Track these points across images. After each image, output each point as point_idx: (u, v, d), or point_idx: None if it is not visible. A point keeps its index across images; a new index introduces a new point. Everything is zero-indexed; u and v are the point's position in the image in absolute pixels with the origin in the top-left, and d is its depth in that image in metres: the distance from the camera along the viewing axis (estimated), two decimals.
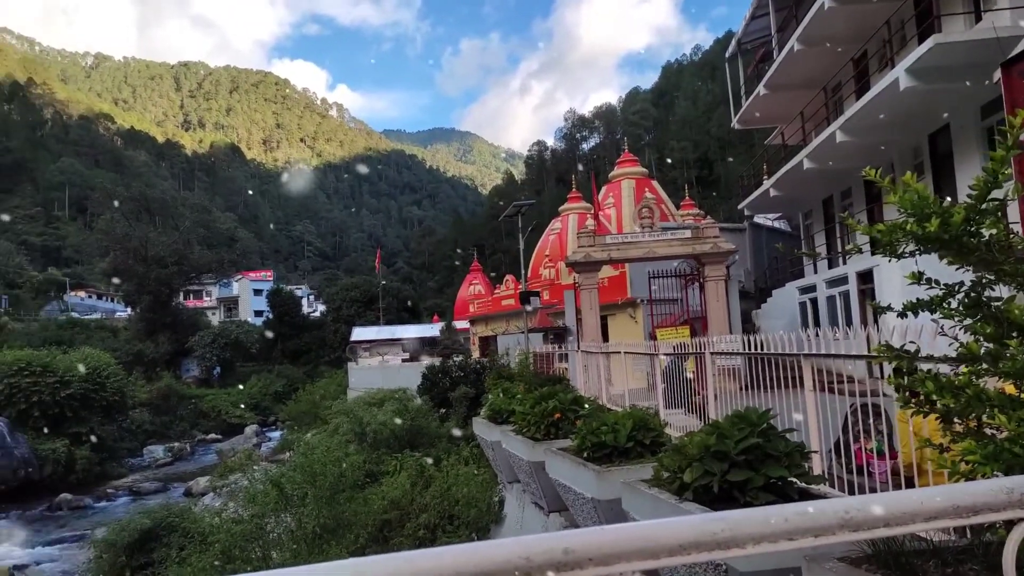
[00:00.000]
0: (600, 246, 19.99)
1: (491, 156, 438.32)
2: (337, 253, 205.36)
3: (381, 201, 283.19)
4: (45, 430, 34.47)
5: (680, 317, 22.30)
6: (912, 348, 3.03)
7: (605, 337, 21.48)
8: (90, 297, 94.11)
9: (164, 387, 50.43)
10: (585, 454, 6.06)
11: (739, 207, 29.59)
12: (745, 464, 4.11)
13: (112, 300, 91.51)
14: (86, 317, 72.03)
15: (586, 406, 7.98)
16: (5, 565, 21.26)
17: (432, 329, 53.75)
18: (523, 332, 26.76)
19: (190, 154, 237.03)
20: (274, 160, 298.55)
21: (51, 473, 33.18)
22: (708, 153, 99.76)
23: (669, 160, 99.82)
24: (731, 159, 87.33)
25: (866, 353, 4.11)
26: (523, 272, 24.45)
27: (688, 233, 20.08)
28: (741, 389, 7.26)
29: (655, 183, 32.38)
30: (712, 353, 7.76)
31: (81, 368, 36.05)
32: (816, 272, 23.21)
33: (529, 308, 21.84)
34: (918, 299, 3.03)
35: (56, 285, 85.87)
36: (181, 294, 73.02)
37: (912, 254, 3.01)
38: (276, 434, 46.04)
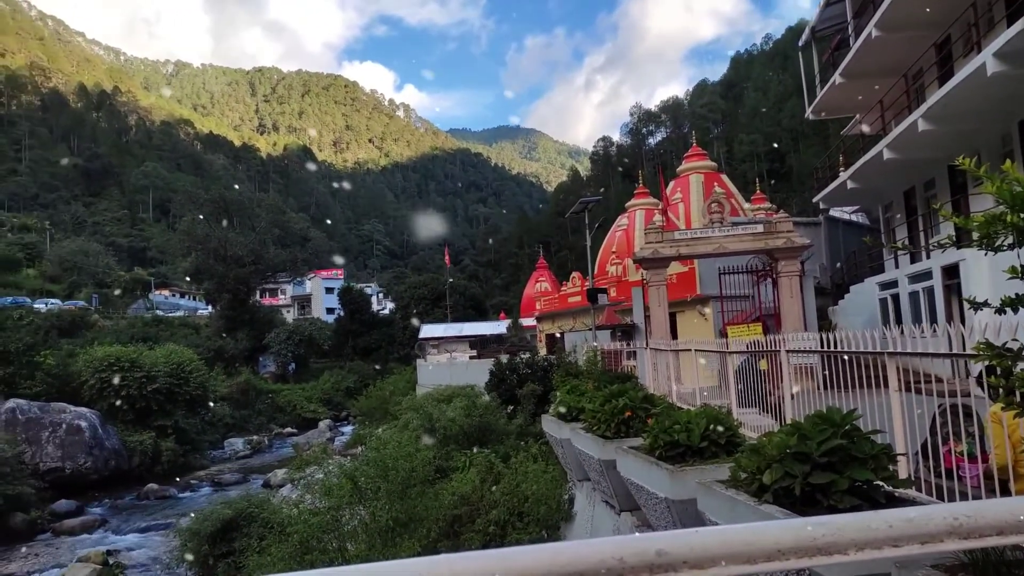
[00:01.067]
0: (669, 242, 19.65)
1: (556, 153, 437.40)
2: (405, 251, 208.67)
3: (447, 199, 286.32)
4: (133, 423, 36.28)
5: (752, 314, 21.75)
6: (1015, 346, 2.86)
7: (673, 334, 21.15)
8: (173, 295, 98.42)
9: (243, 382, 52.26)
10: (657, 453, 5.97)
11: (814, 200, 28.66)
12: (828, 466, 3.97)
13: (194, 298, 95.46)
14: (170, 315, 75.34)
15: (657, 404, 7.87)
16: (100, 550, 22.48)
17: (499, 326, 54.06)
18: (590, 329, 26.61)
19: (265, 157, 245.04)
20: (344, 161, 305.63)
21: (139, 464, 34.83)
22: (780, 145, 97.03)
23: (738, 154, 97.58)
24: (804, 151, 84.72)
25: (958, 351, 3.91)
26: (590, 269, 24.29)
27: (760, 228, 19.54)
28: (817, 389, 7.05)
29: (724, 177, 31.64)
30: (788, 351, 7.55)
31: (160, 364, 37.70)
32: (897, 267, 22.26)
33: (597, 305, 21.67)
34: (1017, 294, 2.86)
35: (142, 284, 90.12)
36: (258, 292, 75.60)
37: (1011, 247, 2.84)
38: (348, 428, 47.16)
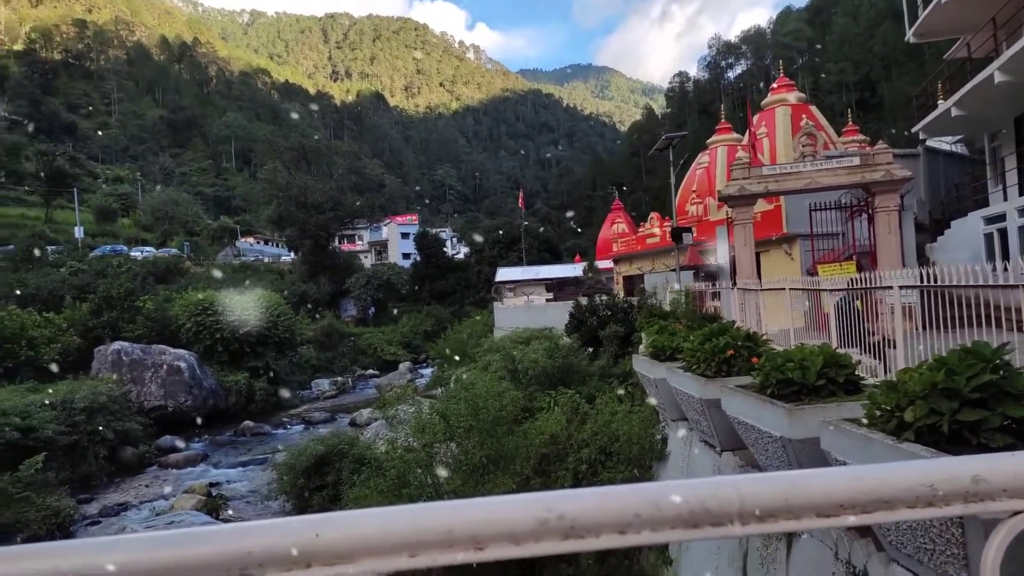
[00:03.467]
0: (756, 178, 18.84)
1: (629, 91, 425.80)
2: (477, 195, 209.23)
3: (519, 142, 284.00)
4: (227, 364, 38.10)
5: (844, 252, 20.83)
6: None
7: (758, 274, 20.47)
8: (258, 243, 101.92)
9: (327, 326, 54.00)
10: (769, 391, 5.74)
11: (912, 131, 26.91)
12: (979, 403, 3.67)
13: (277, 245, 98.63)
14: (256, 261, 78.13)
15: (759, 344, 7.59)
16: (203, 482, 23.95)
17: (574, 269, 53.79)
18: (672, 270, 26.09)
19: (339, 104, 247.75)
20: (415, 106, 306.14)
21: (235, 403, 36.67)
22: (870, 74, 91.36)
23: (825, 85, 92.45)
24: (898, 79, 79.53)
25: None
26: (673, 208, 23.64)
27: (856, 160, 18.49)
28: (915, 329, 6.71)
29: (813, 109, 29.93)
30: (901, 287, 7.10)
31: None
32: (1006, 199, 20.76)
33: (681, 245, 21.13)
34: None
35: (228, 232, 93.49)
36: (337, 239, 77.39)
37: None
38: (427, 371, 48.26)
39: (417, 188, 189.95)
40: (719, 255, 25.02)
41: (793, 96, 29.64)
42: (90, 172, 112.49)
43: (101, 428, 26.87)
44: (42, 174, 77.32)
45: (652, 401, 10.81)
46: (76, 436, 25.25)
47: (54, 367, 31.92)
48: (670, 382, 8.79)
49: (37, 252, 51.57)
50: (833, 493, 0.85)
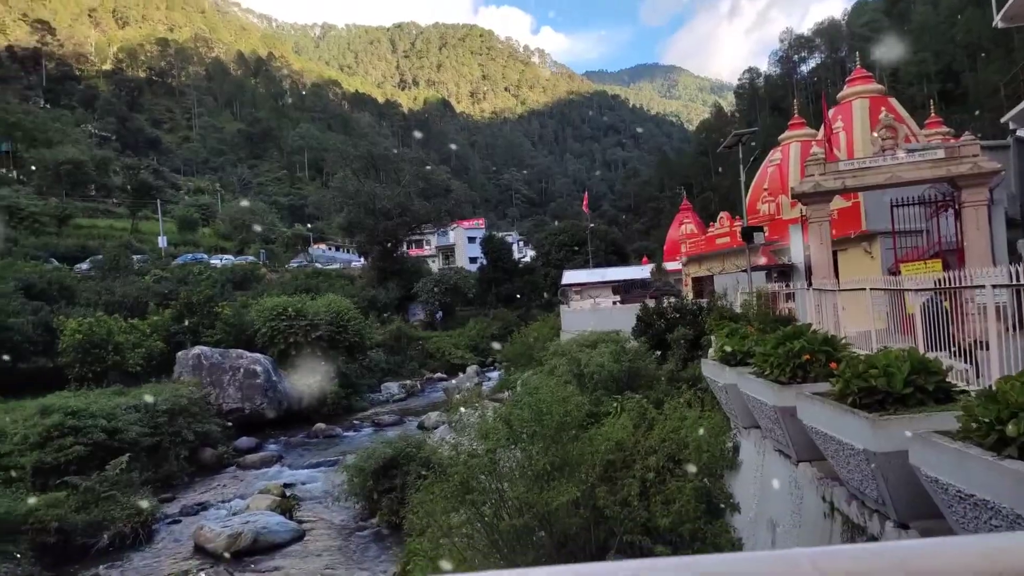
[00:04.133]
0: (832, 173, 18.02)
1: (697, 90, 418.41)
2: (543, 199, 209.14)
3: (584, 144, 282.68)
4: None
5: (929, 249, 19.73)
6: None
7: (835, 274, 19.60)
8: (330, 249, 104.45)
9: (395, 330, 54.74)
10: (850, 400, 5.34)
11: (1001, 120, 25.37)
12: None
13: (348, 251, 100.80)
14: (327, 267, 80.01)
15: (838, 348, 7.13)
16: (278, 482, 24.51)
17: (642, 271, 52.96)
18: (742, 271, 25.29)
19: (406, 112, 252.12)
20: (481, 112, 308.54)
21: (307, 405, 37.49)
22: (952, 64, 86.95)
23: (904, 76, 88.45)
24: (984, 69, 75.44)
25: None
26: (743, 207, 22.91)
27: (941, 153, 17.46)
28: (1006, 331, 6.22)
29: (893, 101, 28.54)
30: (994, 286, 6.54)
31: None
32: None
33: (752, 245, 20.44)
34: None
35: (302, 239, 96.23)
36: (405, 244, 78.52)
37: None
38: (494, 374, 48.32)
39: (483, 193, 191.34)
40: (793, 254, 24.13)
41: (871, 88, 28.39)
42: (173, 184, 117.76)
43: (182, 430, 27.89)
44: (128, 187, 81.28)
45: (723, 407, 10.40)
46: (159, 437, 26.25)
47: (139, 371, 33.44)
48: (741, 388, 8.38)
49: (123, 261, 54.07)
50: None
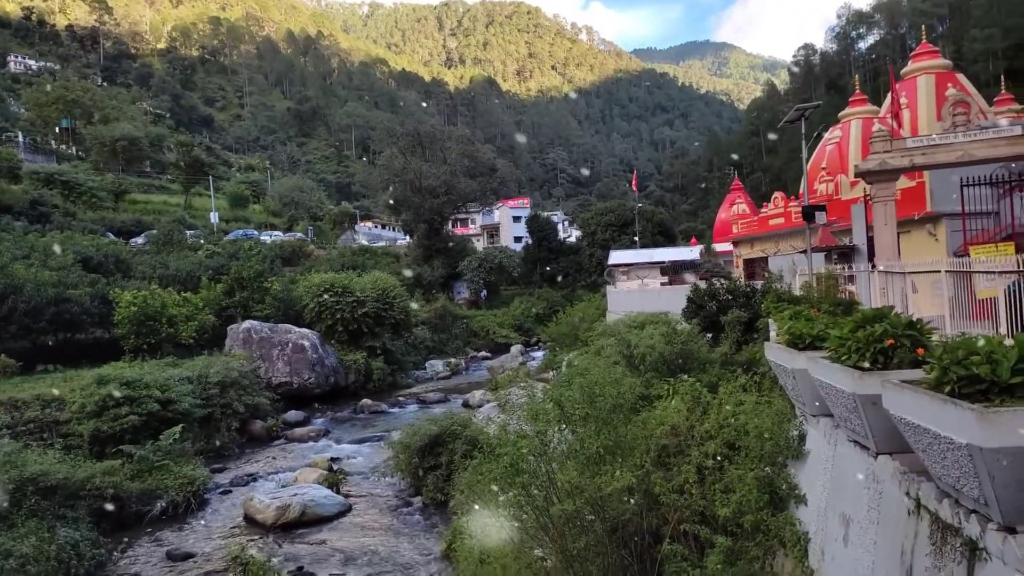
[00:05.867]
0: (899, 151, 17.09)
1: (749, 68, 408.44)
2: (589, 179, 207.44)
3: (632, 124, 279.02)
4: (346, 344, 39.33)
5: (1000, 231, 18.72)
6: None
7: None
8: (376, 227, 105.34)
9: (440, 308, 54.86)
10: (948, 389, 4.87)
11: None
12: None
13: (393, 229, 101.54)
14: (374, 245, 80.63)
15: (924, 332, 6.60)
16: (325, 456, 24.73)
17: (690, 252, 51.97)
18: (801, 252, 24.41)
19: (452, 90, 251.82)
20: (527, 90, 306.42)
21: (353, 381, 37.79)
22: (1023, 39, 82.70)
23: (969, 53, 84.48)
24: None
25: None
26: (804, 184, 22.02)
27: (1018, 130, 16.44)
28: None
29: (960, 77, 27.11)
30: None
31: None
32: None
33: (813, 224, 19.65)
34: None
35: (349, 217, 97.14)
36: (450, 222, 78.58)
37: None
38: (538, 353, 48.08)
39: (529, 172, 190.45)
40: (855, 236, 23.17)
41: (937, 64, 27.02)
42: (224, 161, 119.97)
43: (233, 402, 28.34)
44: (182, 164, 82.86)
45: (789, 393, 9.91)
46: (210, 409, 26.71)
47: (191, 344, 34.09)
48: (812, 374, 7.90)
49: (177, 236, 55.18)
50: None
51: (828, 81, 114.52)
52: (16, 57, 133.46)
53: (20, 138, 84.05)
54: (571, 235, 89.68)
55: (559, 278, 67.96)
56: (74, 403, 22.80)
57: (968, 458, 4.59)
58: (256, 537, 17.86)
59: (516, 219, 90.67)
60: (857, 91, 34.06)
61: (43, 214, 53.90)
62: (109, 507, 18.32)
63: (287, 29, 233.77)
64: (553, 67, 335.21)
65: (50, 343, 32.92)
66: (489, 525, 11.48)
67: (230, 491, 21.96)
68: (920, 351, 6.33)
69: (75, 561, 15.29)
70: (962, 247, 17.54)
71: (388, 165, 69.93)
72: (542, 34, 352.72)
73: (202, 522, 19.33)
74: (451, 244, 71.64)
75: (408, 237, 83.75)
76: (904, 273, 11.71)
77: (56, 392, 24.04)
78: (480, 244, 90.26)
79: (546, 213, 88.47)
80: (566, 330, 38.44)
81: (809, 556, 8.23)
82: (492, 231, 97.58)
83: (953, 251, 18.70)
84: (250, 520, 18.93)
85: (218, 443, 26.41)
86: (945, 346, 5.15)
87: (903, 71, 27.70)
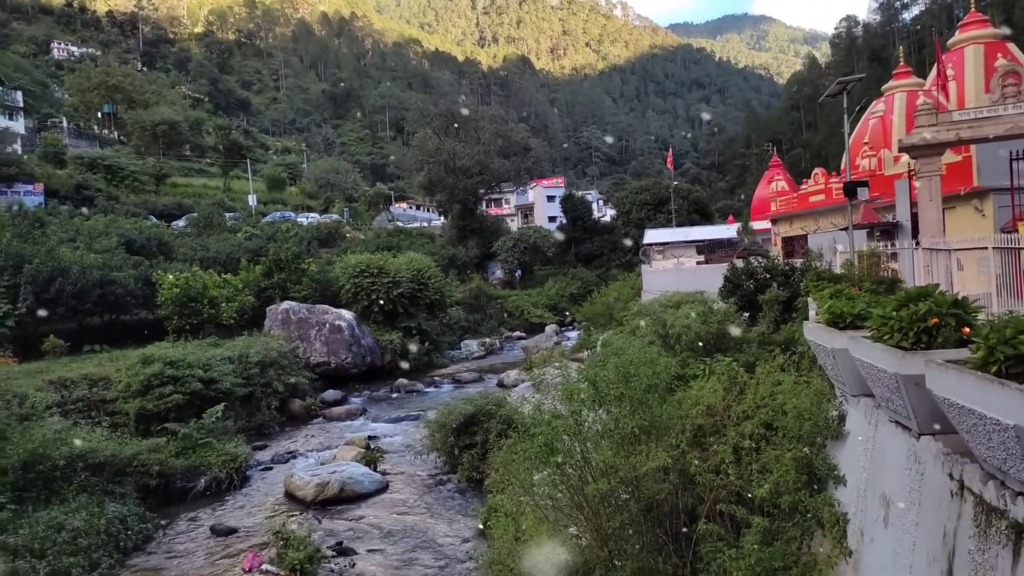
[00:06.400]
0: (945, 124, 16.59)
1: (788, 41, 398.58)
2: (623, 157, 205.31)
3: (667, 101, 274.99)
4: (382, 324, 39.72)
5: None
6: None
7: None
8: (411, 208, 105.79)
9: (475, 288, 55.05)
10: (994, 369, 4.74)
11: None
12: None
13: (428, 210, 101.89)
14: (408, 226, 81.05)
15: (970, 311, 6.41)
16: (363, 435, 25.11)
17: (727, 230, 51.30)
18: (842, 229, 23.88)
19: (486, 69, 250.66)
20: (561, 68, 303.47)
21: (389, 361, 38.20)
22: None
23: (1021, 21, 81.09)
24: None
25: None
26: (846, 160, 21.49)
27: None
28: None
29: (1011, 46, 26.12)
30: None
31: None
32: None
33: (855, 201, 19.21)
34: None
35: (384, 198, 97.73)
36: (484, 203, 78.48)
37: None
38: (573, 333, 48.01)
39: (563, 151, 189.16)
40: (898, 212, 22.60)
41: (986, 33, 26.04)
42: (262, 144, 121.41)
43: (273, 381, 28.88)
44: (220, 147, 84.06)
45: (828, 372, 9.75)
46: (251, 388, 27.27)
47: (232, 324, 34.74)
48: (853, 353, 7.75)
49: (217, 218, 56.11)
50: None
51: (871, 53, 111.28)
52: (59, 44, 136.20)
53: (64, 124, 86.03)
54: (605, 214, 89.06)
55: (595, 257, 67.61)
56: (120, 382, 23.47)
57: (1015, 439, 4.47)
58: (296, 513, 18.26)
59: (550, 199, 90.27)
60: (901, 63, 33.11)
61: (87, 198, 55.29)
62: (155, 483, 18.89)
63: (321, 11, 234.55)
64: (587, 44, 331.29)
65: (96, 324, 33.88)
66: (524, 503, 11.56)
67: (271, 468, 22.44)
68: (965, 330, 6.16)
69: (123, 534, 15.82)
70: (1010, 223, 17.04)
71: (422, 146, 70.02)
72: (576, 11, 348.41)
73: (244, 498, 19.81)
74: (485, 224, 71.63)
75: (442, 218, 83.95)
76: (949, 250, 11.42)
77: (103, 372, 24.75)
78: (514, 224, 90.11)
79: (580, 192, 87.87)
80: (600, 310, 38.31)
81: (848, 537, 8.13)
82: (526, 211, 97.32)
83: (1000, 227, 18.18)
84: (290, 496, 19.35)
85: (259, 421, 27.00)
86: (992, 325, 5.01)
87: (950, 42, 26.81)
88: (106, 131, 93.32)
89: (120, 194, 61.33)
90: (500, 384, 32.49)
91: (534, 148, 77.29)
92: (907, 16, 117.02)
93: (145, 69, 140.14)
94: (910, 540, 6.47)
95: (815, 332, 9.69)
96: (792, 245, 34.55)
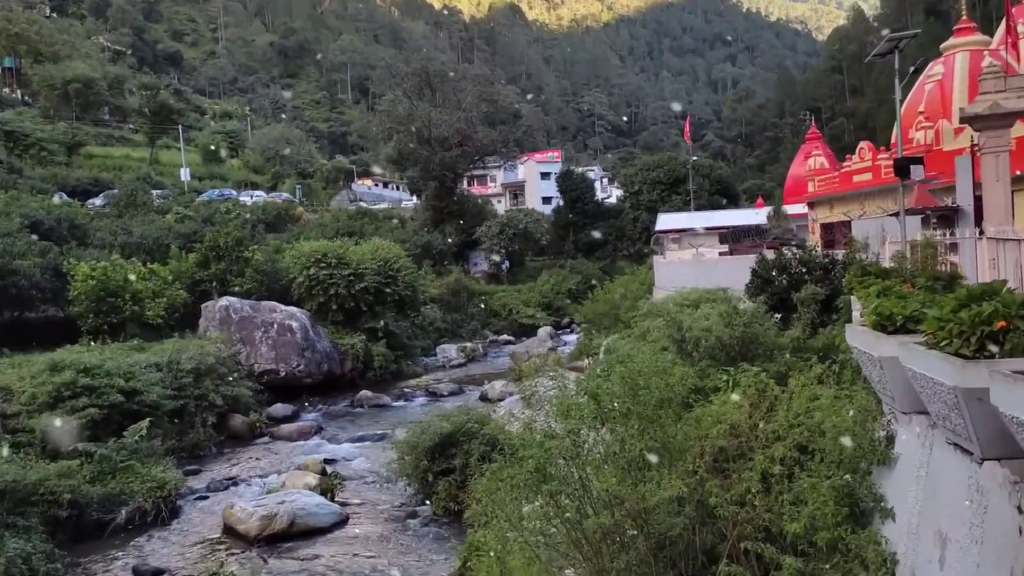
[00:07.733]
0: (1016, 90, 16.69)
1: None
2: (633, 127, 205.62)
3: (685, 60, 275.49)
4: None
5: None
6: None
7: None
8: (376, 186, 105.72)
9: (454, 282, 55.14)
10: None
11: None
12: None
13: (398, 188, 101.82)
14: (374, 207, 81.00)
15: None
16: (317, 458, 25.08)
17: (756, 215, 51.62)
18: (892, 215, 24.05)
19: (468, 20, 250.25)
20: (558, 19, 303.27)
21: (351, 369, 38.22)
22: None
23: None
24: None
25: None
26: (898, 132, 21.63)
27: None
28: None
29: None
30: None
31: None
32: None
33: (908, 181, 19.34)
34: None
35: (344, 173, 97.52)
36: (465, 180, 78.50)
37: None
38: (571, 337, 48.18)
39: (560, 119, 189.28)
40: (959, 195, 22.77)
41: None
42: (196, 107, 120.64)
43: (209, 392, 28.78)
44: (146, 110, 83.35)
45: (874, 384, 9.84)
46: (183, 401, 27.18)
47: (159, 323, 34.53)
48: (904, 362, 7.80)
49: (141, 196, 55.79)
50: None
51: (927, 6, 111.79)
52: None
53: None
54: (611, 195, 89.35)
55: (598, 246, 67.84)
56: (24, 393, 23.28)
57: None
58: (237, 551, 18.22)
59: (544, 176, 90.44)
60: (964, 17, 33.41)
61: None
62: (65, 514, 18.74)
63: None
64: None
65: None
66: (511, 540, 11.59)
67: (206, 497, 22.40)
68: None
69: None
70: None
71: (391, 111, 69.96)
72: None
73: (174, 533, 19.75)
74: (466, 206, 71.64)
75: (415, 198, 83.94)
76: (1020, 240, 11.52)
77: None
78: (501, 206, 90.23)
79: (581, 168, 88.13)
80: (604, 309, 38.45)
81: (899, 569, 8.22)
82: (516, 190, 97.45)
83: None
84: (230, 531, 19.29)
85: (192, 441, 26.92)
86: None
87: None
88: (7, 90, 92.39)
89: (24, 166, 60.83)
90: (483, 398, 32.58)
91: (525, 115, 77.45)
92: None
93: (55, 16, 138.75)
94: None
95: (859, 337, 9.76)
96: (832, 233, 34.82)
